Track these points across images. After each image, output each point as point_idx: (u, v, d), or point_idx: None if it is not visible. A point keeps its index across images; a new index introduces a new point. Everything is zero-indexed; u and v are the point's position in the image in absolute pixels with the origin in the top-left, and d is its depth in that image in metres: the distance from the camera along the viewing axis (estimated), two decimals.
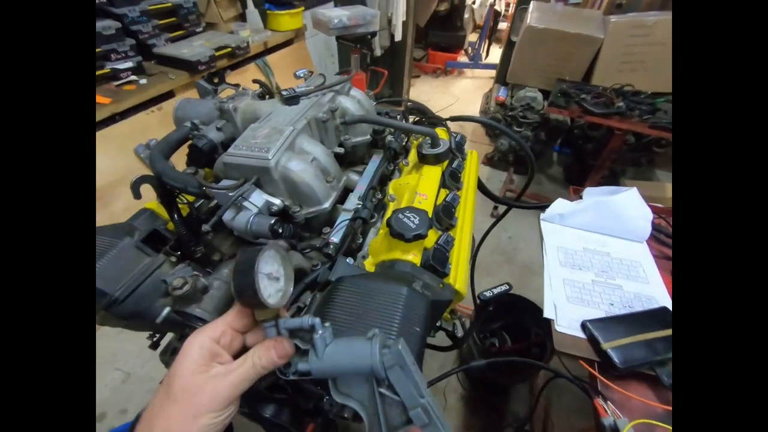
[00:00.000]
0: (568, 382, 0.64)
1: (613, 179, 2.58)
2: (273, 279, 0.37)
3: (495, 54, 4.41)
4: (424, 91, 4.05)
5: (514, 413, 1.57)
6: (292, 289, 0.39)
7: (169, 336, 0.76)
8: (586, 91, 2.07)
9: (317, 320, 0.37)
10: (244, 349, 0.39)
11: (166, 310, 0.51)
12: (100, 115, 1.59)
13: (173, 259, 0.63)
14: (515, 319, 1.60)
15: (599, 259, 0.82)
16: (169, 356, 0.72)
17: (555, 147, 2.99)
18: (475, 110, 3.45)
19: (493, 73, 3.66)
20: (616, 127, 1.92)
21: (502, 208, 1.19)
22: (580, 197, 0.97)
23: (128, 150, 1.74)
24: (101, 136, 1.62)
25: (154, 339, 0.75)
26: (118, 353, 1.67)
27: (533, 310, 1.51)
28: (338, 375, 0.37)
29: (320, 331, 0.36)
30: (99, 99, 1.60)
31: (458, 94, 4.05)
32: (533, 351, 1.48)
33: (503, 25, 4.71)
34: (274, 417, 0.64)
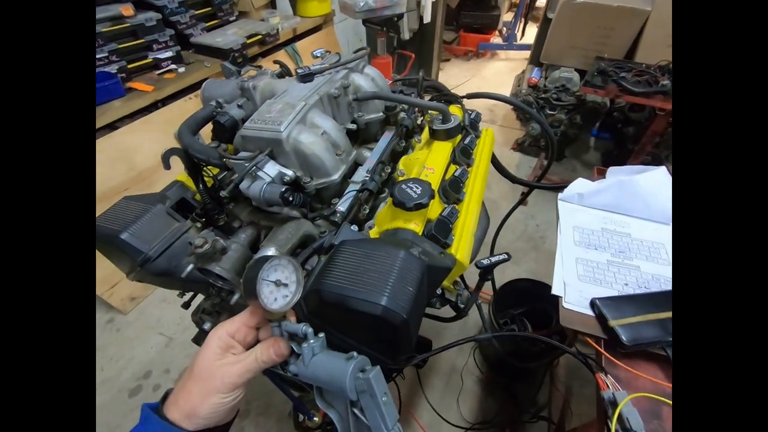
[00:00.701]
0: (589, 371, 0.63)
1: (655, 165, 2.40)
2: (281, 285, 0.42)
3: (531, 34, 4.17)
4: (454, 75, 3.94)
5: (533, 400, 1.56)
6: (299, 295, 0.43)
7: (199, 299, 0.84)
8: (627, 68, 1.93)
9: (310, 330, 0.42)
10: (257, 342, 0.45)
11: (190, 266, 0.57)
12: (143, 102, 1.73)
13: (199, 225, 0.69)
14: (537, 305, 1.57)
15: (618, 239, 0.79)
16: (198, 316, 0.80)
17: (592, 131, 2.81)
18: (506, 94, 3.31)
19: (528, 54, 3.48)
20: (659, 108, 1.78)
21: (531, 196, 1.17)
22: (604, 178, 0.93)
23: (169, 135, 1.86)
24: (145, 121, 1.77)
25: (186, 299, 0.84)
26: (161, 319, 1.84)
27: (557, 297, 1.47)
28: (319, 385, 0.42)
29: (311, 341, 0.42)
30: (143, 87, 1.73)
31: (489, 77, 3.91)
32: (553, 338, 1.45)
33: (541, 2, 4.43)
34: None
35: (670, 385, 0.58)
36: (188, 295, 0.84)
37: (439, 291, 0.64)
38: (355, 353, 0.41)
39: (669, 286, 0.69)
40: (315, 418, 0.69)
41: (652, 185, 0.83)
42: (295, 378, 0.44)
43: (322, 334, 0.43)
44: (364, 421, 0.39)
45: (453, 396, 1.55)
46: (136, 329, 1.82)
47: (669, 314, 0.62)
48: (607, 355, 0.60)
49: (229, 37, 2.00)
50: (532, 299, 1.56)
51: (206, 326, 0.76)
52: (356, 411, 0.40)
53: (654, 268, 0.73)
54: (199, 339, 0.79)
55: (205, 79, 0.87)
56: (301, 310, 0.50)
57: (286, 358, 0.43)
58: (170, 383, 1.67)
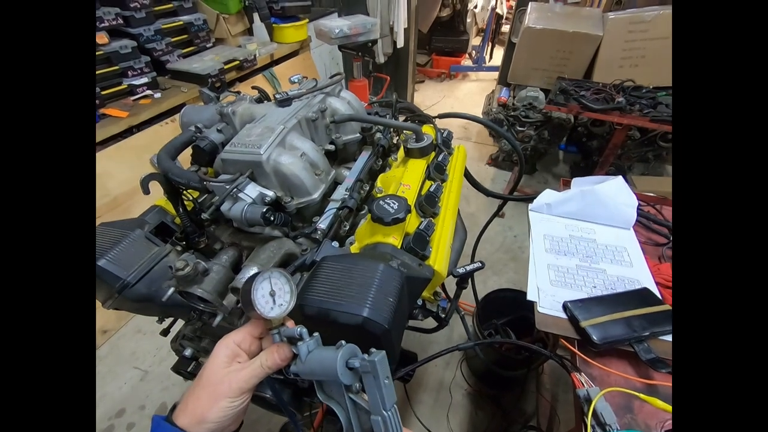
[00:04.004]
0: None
1: (618, 175, 2.56)
2: (276, 295, 0.45)
3: (498, 56, 4.43)
4: (429, 96, 4.10)
5: (521, 409, 1.57)
6: (294, 302, 0.46)
7: (179, 325, 0.82)
8: (586, 87, 2.09)
9: (305, 330, 0.45)
10: (261, 351, 0.48)
11: (171, 289, 0.56)
12: (118, 129, 1.70)
13: (179, 248, 0.69)
14: (520, 314, 1.61)
15: (585, 245, 0.84)
16: (178, 343, 0.78)
17: (560, 146, 2.98)
18: (478, 112, 3.48)
19: (496, 75, 3.69)
20: (617, 122, 1.92)
21: (508, 209, 1.22)
22: (569, 188, 0.99)
23: (145, 160, 1.85)
24: (119, 147, 1.74)
25: (165, 326, 0.81)
26: (136, 352, 1.75)
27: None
28: (318, 378, 0.44)
29: (306, 339, 0.44)
30: (117, 113, 1.72)
31: (462, 97, 4.10)
32: (537, 345, 1.49)
33: (506, 28, 4.74)
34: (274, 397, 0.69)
35: (640, 380, 0.61)
36: (167, 321, 0.82)
37: (420, 302, 0.66)
38: (343, 341, 0.43)
39: (632, 286, 0.74)
40: None
41: (611, 193, 0.89)
42: (297, 377, 0.46)
43: (316, 333, 0.45)
44: (362, 404, 0.41)
45: (443, 411, 1.54)
46: (108, 364, 1.72)
47: (634, 312, 0.66)
48: (581, 354, 0.63)
49: (206, 62, 2.02)
50: (515, 308, 1.60)
51: (187, 352, 0.74)
52: (352, 396, 0.41)
53: (618, 270, 0.78)
54: (180, 367, 0.76)
55: (182, 105, 0.88)
56: None
57: (289, 361, 0.46)
58: (146, 420, 1.57)
